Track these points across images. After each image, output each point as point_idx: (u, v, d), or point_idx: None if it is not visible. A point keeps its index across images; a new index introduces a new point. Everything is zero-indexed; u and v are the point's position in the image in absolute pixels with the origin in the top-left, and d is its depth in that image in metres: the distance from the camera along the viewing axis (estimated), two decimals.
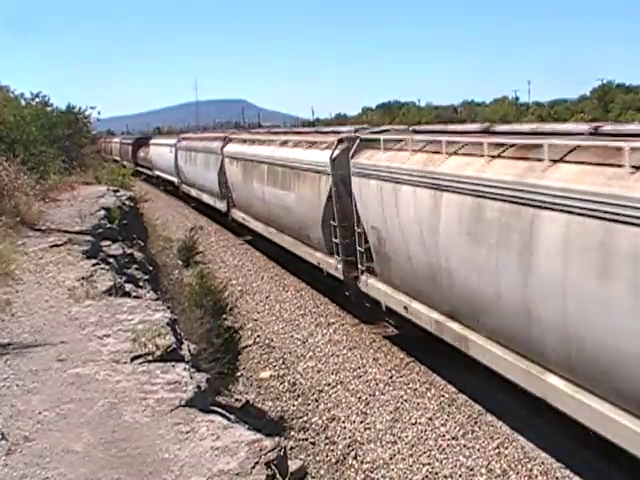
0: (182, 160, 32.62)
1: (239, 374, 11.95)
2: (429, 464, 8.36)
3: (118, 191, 16.29)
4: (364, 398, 10.31)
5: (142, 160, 50.48)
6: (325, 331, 13.43)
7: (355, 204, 12.03)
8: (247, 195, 20.87)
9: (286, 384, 11.39)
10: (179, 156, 33.22)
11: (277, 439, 4.37)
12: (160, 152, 40.25)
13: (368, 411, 9.89)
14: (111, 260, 9.33)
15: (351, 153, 12.11)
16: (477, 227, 8.27)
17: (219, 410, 4.92)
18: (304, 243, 15.77)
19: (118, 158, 58.70)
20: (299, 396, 10.83)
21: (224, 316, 13.31)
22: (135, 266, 10.08)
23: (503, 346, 8.28)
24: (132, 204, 15.86)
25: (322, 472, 8.64)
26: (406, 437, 9.05)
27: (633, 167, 6.12)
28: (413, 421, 9.44)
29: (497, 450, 8.47)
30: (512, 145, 8.23)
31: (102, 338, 5.81)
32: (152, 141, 47.05)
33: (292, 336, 13.49)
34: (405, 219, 10.15)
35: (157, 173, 43.33)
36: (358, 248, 12.23)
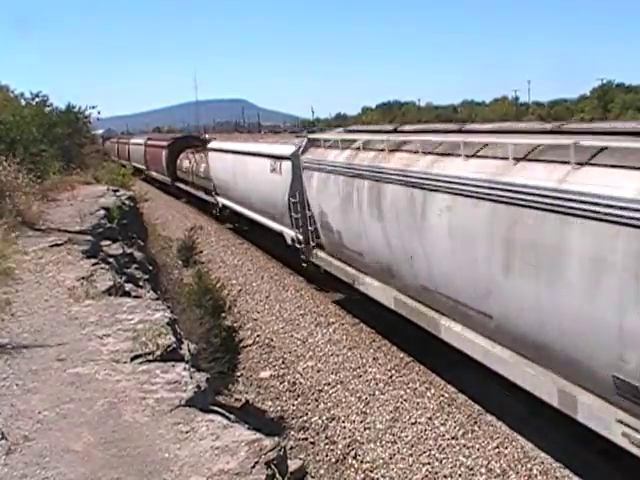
0: (324, 196, 13.58)
1: (239, 374, 11.96)
2: (429, 464, 8.36)
3: (118, 191, 16.28)
4: (364, 398, 10.31)
5: (188, 174, 31.00)
6: (325, 331, 13.43)
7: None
8: None
9: (286, 384, 11.39)
10: (311, 184, 14.21)
11: (277, 439, 4.37)
12: (240, 165, 20.57)
13: (368, 411, 9.89)
14: (111, 260, 9.33)
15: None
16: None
17: (219, 410, 4.92)
18: None
19: (141, 166, 43.29)
20: (299, 396, 10.84)
21: (223, 315, 13.32)
22: (135, 266, 10.08)
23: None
24: (132, 204, 15.86)
25: (322, 472, 8.64)
26: (406, 437, 9.05)
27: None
28: (413, 421, 9.44)
29: (497, 450, 8.47)
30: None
31: (102, 338, 5.81)
32: (215, 145, 25.80)
33: (292, 336, 13.49)
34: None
35: (226, 203, 23.69)
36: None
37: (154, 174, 39.59)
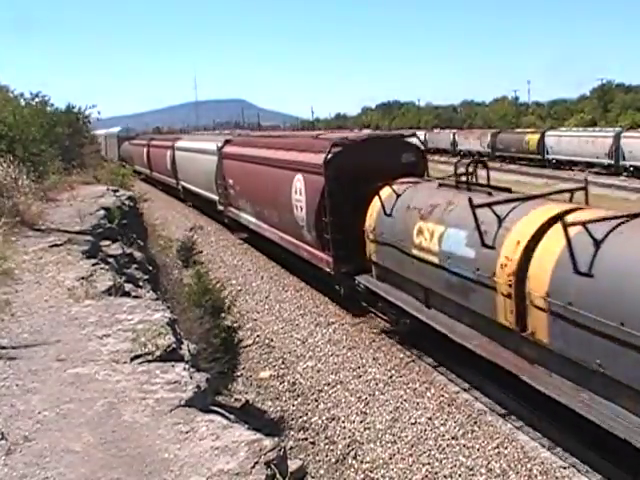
0: None
1: (239, 374, 11.96)
2: (429, 464, 8.36)
3: (118, 191, 16.26)
4: (364, 398, 10.31)
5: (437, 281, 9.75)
6: (325, 331, 13.43)
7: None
8: None
9: (286, 384, 11.39)
10: None
11: (277, 439, 4.36)
12: None
13: (368, 411, 9.89)
14: (111, 260, 9.31)
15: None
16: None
17: (219, 410, 4.91)
18: None
19: (209, 194, 24.73)
20: (299, 396, 10.84)
21: (223, 315, 13.30)
22: (135, 266, 10.06)
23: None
24: (132, 204, 15.83)
25: (322, 472, 8.65)
26: (406, 437, 9.05)
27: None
28: (413, 421, 9.44)
29: (497, 450, 8.47)
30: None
31: (102, 338, 5.80)
32: None
33: (292, 336, 13.49)
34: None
35: None
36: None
37: (255, 223, 19.17)
